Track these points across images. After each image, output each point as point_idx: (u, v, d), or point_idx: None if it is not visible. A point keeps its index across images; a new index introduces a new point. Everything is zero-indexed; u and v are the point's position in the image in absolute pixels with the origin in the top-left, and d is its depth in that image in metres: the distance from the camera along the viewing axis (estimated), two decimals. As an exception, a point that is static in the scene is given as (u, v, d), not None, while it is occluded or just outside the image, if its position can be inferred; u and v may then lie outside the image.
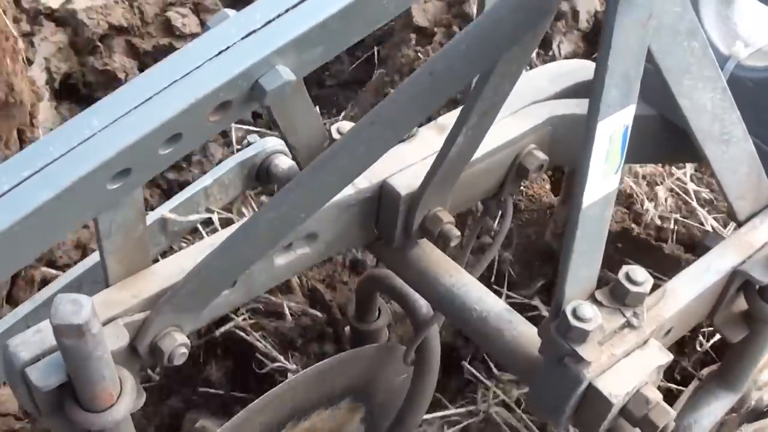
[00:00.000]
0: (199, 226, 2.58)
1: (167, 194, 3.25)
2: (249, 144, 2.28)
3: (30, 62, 3.33)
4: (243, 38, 1.42)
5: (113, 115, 1.37)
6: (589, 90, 1.41)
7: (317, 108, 1.93)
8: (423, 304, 2.14)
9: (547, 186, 3.07)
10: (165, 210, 2.19)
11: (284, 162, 2.20)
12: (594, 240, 1.59)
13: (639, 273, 1.66)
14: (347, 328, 2.57)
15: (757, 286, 1.92)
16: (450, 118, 1.91)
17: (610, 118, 1.42)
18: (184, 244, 2.50)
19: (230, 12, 1.49)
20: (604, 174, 1.49)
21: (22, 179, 1.33)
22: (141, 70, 3.57)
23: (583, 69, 2.21)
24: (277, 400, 2.02)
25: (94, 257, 2.14)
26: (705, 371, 2.39)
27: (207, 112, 1.41)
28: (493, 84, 1.57)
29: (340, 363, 2.14)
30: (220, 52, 1.41)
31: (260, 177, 2.26)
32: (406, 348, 2.20)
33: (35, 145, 1.39)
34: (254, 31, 1.42)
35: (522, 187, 3.04)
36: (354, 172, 1.50)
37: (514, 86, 1.62)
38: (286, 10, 1.43)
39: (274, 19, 1.43)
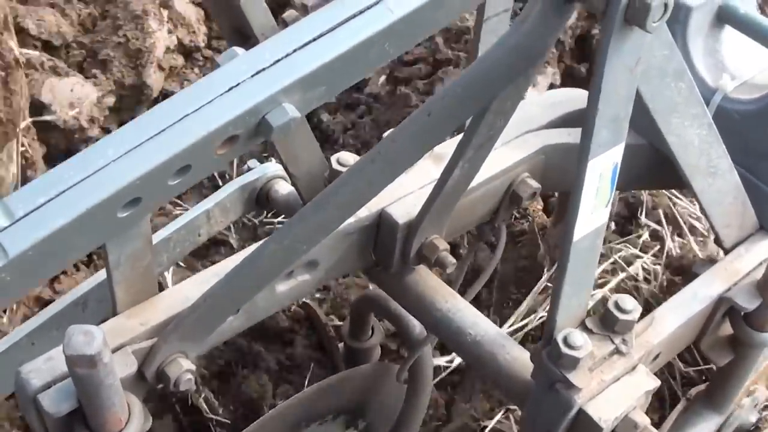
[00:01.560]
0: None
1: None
2: (249, 169, 2.34)
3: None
4: (252, 76, 1.46)
5: (127, 145, 1.41)
6: (581, 120, 1.47)
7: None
8: (416, 325, 2.20)
9: (540, 206, 3.12)
10: (168, 231, 2.24)
11: (284, 187, 2.26)
12: (585, 270, 1.65)
13: (628, 302, 1.72)
14: (341, 345, 2.62)
15: (743, 312, 1.98)
16: (446, 147, 1.96)
17: (600, 157, 1.48)
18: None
19: (239, 50, 1.54)
20: (594, 208, 1.55)
21: (38, 205, 1.38)
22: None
23: (575, 98, 2.26)
24: (271, 422, 2.08)
25: (99, 276, 2.18)
26: (692, 392, 2.45)
27: (215, 146, 1.45)
28: (488, 121, 1.63)
29: (334, 383, 2.20)
30: (230, 89, 1.45)
31: (260, 201, 2.31)
32: (399, 367, 2.25)
33: (51, 172, 1.43)
34: (263, 70, 1.46)
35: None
36: (355, 206, 1.56)
37: (508, 122, 1.68)
38: (294, 51, 1.47)
39: (282, 59, 1.47)
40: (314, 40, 1.46)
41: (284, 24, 1.75)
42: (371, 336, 2.50)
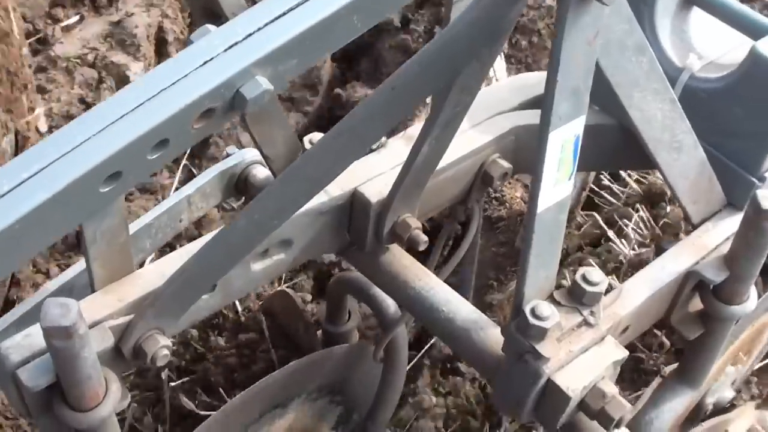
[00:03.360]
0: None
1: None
2: (228, 155, 2.37)
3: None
4: (225, 50, 1.49)
5: (105, 121, 1.44)
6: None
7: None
8: (390, 304, 2.24)
9: (518, 193, 3.16)
10: (150, 217, 2.27)
11: (261, 172, 2.28)
12: (550, 243, 1.68)
13: (595, 274, 1.76)
14: (319, 332, 2.66)
15: (711, 286, 2.02)
16: (418, 129, 2.00)
17: (560, 129, 1.52)
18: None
19: (211, 27, 1.57)
20: (557, 181, 1.59)
21: (21, 181, 1.41)
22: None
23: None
24: (252, 399, 2.11)
25: (83, 262, 2.21)
26: (667, 369, 2.49)
27: (192, 119, 1.48)
28: (453, 97, 1.66)
29: (312, 362, 2.23)
30: (204, 63, 1.48)
31: (239, 187, 2.34)
32: (375, 346, 2.29)
33: (33, 149, 1.46)
34: (235, 44, 1.50)
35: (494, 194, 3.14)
36: (323, 181, 1.60)
37: (474, 98, 1.71)
38: (265, 25, 1.51)
39: (253, 33, 1.50)
40: (284, 14, 1.49)
41: (253, 2, 1.78)
42: (348, 320, 2.54)
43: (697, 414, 2.50)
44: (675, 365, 2.49)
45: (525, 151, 2.15)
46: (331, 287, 2.46)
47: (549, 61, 1.47)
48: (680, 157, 1.93)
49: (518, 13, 1.54)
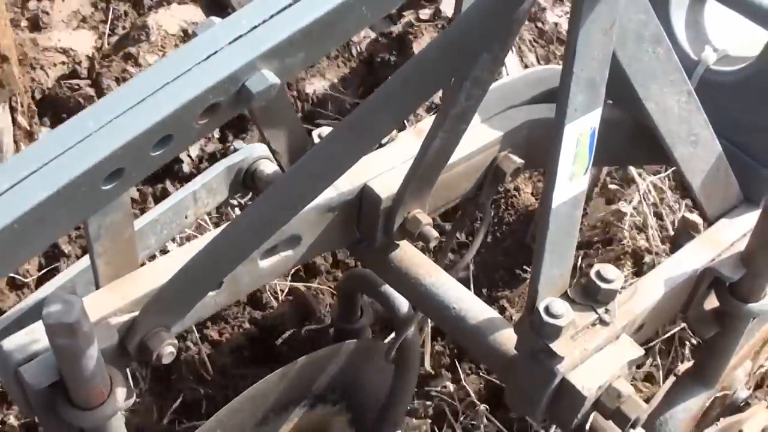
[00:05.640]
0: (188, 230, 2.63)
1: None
2: (236, 150, 2.34)
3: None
4: (230, 43, 1.46)
5: (107, 117, 1.41)
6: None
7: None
8: (403, 303, 2.20)
9: (528, 189, 3.13)
10: (155, 213, 2.24)
11: (269, 167, 2.25)
12: (565, 239, 1.65)
13: (610, 271, 1.72)
14: (331, 330, 2.62)
15: (728, 283, 1.98)
16: (428, 123, 1.96)
17: (576, 122, 1.48)
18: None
19: (216, 20, 1.54)
20: (573, 175, 1.56)
21: (21, 179, 1.38)
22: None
23: (559, 74, 2.26)
24: (259, 395, 2.08)
25: (87, 259, 2.18)
26: (681, 368, 2.45)
27: (196, 115, 1.44)
28: (465, 90, 1.63)
29: (321, 359, 2.20)
30: (208, 57, 1.45)
31: (246, 182, 2.31)
32: (388, 346, 2.25)
33: (33, 147, 1.43)
34: (240, 37, 1.46)
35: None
36: (332, 175, 1.56)
37: (486, 92, 1.68)
38: (271, 17, 1.47)
39: (259, 25, 1.46)
40: (291, 5, 1.45)
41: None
42: (360, 317, 2.50)
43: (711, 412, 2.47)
44: (689, 364, 2.45)
45: (538, 146, 2.12)
46: (343, 283, 2.42)
47: (564, 52, 1.43)
48: (697, 151, 1.89)
49: (531, 5, 1.50)
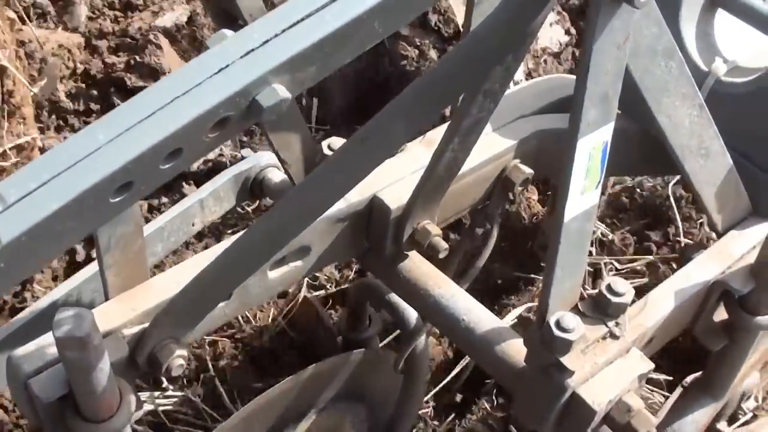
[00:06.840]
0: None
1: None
2: (243, 158, 2.33)
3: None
4: (241, 57, 1.45)
5: (117, 130, 1.41)
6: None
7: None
8: (412, 314, 2.20)
9: (535, 197, 3.12)
10: (162, 221, 2.23)
11: (277, 176, 2.25)
12: (576, 253, 1.64)
13: (620, 284, 1.72)
14: (339, 338, 2.62)
15: (737, 296, 1.97)
16: (437, 133, 1.96)
17: (589, 136, 1.48)
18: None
19: (228, 32, 1.53)
20: (585, 189, 1.55)
21: (29, 191, 1.37)
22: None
23: (568, 84, 2.24)
24: (267, 405, 2.07)
25: (93, 267, 2.18)
26: (689, 379, 2.45)
27: (206, 128, 1.44)
28: (477, 102, 1.62)
29: (329, 368, 2.20)
30: (219, 70, 1.44)
31: (254, 190, 2.31)
32: (396, 356, 2.25)
33: (41, 158, 1.43)
34: (252, 50, 1.45)
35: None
36: (345, 187, 1.55)
37: (497, 103, 1.67)
38: (283, 31, 1.46)
39: (271, 39, 1.46)
40: (303, 19, 1.45)
41: (272, 5, 1.75)
42: (369, 326, 2.50)
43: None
44: (696, 375, 2.45)
45: (547, 156, 2.12)
46: (352, 292, 2.42)
47: (577, 67, 1.42)
48: (707, 163, 1.88)
49: (545, 17, 1.49)
